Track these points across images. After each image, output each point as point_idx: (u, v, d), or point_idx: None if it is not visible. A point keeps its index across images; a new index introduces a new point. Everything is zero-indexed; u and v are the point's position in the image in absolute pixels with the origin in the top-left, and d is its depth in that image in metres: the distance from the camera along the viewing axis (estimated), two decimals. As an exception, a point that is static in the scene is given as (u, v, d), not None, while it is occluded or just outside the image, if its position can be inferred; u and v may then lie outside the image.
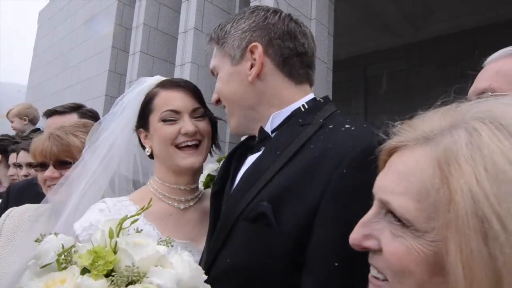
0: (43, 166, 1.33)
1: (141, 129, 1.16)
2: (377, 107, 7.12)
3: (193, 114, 1.13)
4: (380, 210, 0.53)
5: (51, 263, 0.62)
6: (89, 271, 0.60)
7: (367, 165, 0.66)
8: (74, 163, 1.25)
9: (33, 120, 3.93)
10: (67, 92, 7.23)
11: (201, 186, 1.20)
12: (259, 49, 0.93)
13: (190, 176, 1.14)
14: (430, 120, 0.51)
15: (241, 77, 0.95)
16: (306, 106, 0.94)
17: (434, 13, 5.97)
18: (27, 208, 1.39)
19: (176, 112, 1.09)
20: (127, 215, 0.68)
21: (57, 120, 1.76)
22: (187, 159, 1.08)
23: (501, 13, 5.59)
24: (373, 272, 0.54)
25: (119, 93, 6.38)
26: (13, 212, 1.37)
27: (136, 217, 0.68)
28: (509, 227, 0.38)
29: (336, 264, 0.71)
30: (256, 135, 0.98)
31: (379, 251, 0.52)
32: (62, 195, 1.16)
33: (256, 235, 0.79)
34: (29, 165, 2.10)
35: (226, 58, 0.97)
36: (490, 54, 1.19)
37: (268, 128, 0.95)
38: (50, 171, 1.30)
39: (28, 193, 1.61)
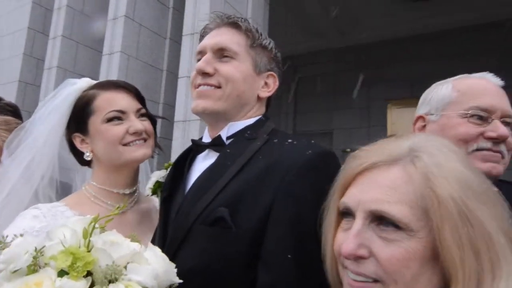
0: None
1: (76, 134, 1.11)
2: (306, 106, 7.44)
3: (137, 114, 1.13)
4: (364, 221, 0.64)
5: (28, 265, 0.61)
6: (65, 273, 0.60)
7: (310, 173, 0.86)
8: None
9: None
10: (-29, 74, 6.40)
11: (149, 192, 1.19)
12: (276, 80, 1.12)
13: (131, 175, 1.13)
14: (391, 147, 0.68)
15: (254, 86, 1.07)
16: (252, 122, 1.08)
17: (360, 22, 6.40)
18: None
19: (122, 112, 1.08)
20: (98, 215, 0.69)
21: None
22: (138, 151, 1.09)
23: (418, 26, 6.18)
24: (354, 276, 0.64)
25: (35, 80, 5.82)
26: None
27: (112, 216, 0.71)
28: (472, 209, 0.57)
29: (289, 256, 0.82)
30: (209, 133, 1.08)
31: (366, 258, 0.62)
32: None
33: (214, 238, 0.87)
34: None
35: (250, 60, 1.06)
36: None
37: (224, 135, 1.04)
38: None
39: None
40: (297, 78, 7.75)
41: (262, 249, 0.85)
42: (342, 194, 0.71)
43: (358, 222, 0.64)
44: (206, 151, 1.06)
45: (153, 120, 1.21)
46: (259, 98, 1.09)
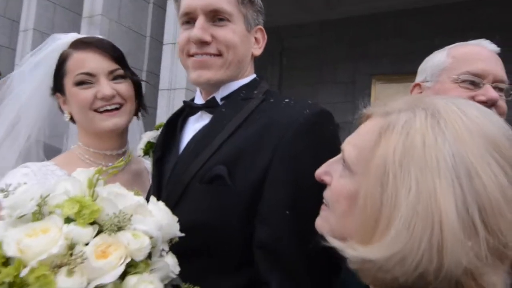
0: None
1: (57, 94, 1.07)
2: (290, 79, 7.42)
3: (110, 76, 1.05)
4: (340, 158, 0.70)
5: (33, 212, 0.61)
6: (71, 221, 0.60)
7: (307, 132, 0.87)
8: None
9: None
10: None
11: (140, 153, 1.16)
12: (264, 34, 1.09)
13: (114, 139, 1.09)
14: (397, 102, 0.66)
15: (249, 45, 1.04)
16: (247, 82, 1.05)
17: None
18: None
19: (90, 74, 1.02)
20: (102, 167, 0.69)
21: None
22: (109, 121, 1.04)
23: (405, 2, 6.16)
24: (324, 200, 0.72)
25: (10, 43, 5.54)
26: None
27: (116, 168, 0.77)
28: (397, 180, 0.55)
29: (287, 212, 0.84)
30: (202, 95, 1.05)
31: (329, 185, 0.70)
32: None
33: (212, 195, 0.88)
34: None
35: (241, 18, 1.01)
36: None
37: (219, 97, 1.01)
38: None
39: None
40: (282, 51, 7.67)
41: (259, 206, 0.86)
42: None
43: (337, 156, 0.72)
44: (199, 112, 1.04)
45: (135, 82, 1.13)
46: (251, 56, 1.07)
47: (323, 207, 0.73)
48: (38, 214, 0.61)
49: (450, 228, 0.50)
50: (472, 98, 1.09)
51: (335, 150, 0.81)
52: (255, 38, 1.06)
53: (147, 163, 1.23)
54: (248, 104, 0.96)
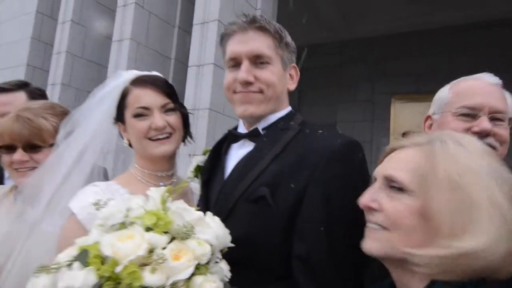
0: (10, 148, 1.27)
1: (119, 123, 1.22)
2: (310, 98, 7.49)
3: (162, 109, 1.20)
4: (381, 185, 0.84)
5: (120, 222, 0.79)
6: (150, 229, 0.76)
7: (338, 161, 0.99)
8: (44, 147, 1.24)
9: None
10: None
11: (190, 175, 1.30)
12: (297, 71, 1.25)
13: (165, 163, 1.24)
14: (420, 136, 0.86)
15: (285, 82, 1.20)
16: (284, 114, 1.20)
17: (367, 16, 6.41)
18: None
19: (146, 108, 1.17)
20: (171, 186, 0.86)
21: (3, 98, 1.64)
22: (160, 148, 1.18)
23: (424, 21, 6.20)
24: (371, 226, 0.84)
25: (43, 64, 5.85)
26: None
27: (184, 186, 0.95)
28: (461, 181, 0.73)
29: (322, 228, 0.96)
30: (245, 126, 1.20)
31: (378, 210, 0.82)
32: (35, 183, 1.15)
33: (256, 214, 1.01)
34: None
35: (279, 59, 1.16)
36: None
37: (260, 128, 1.17)
38: (20, 155, 1.26)
39: None
40: (301, 70, 7.78)
41: (297, 223, 0.98)
42: None
43: (376, 185, 0.86)
44: (242, 140, 1.18)
45: (183, 113, 1.29)
46: (287, 91, 1.22)
47: (372, 231, 0.83)
48: (123, 224, 0.79)
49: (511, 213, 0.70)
50: (469, 129, 1.20)
51: (363, 175, 0.99)
52: (290, 75, 1.22)
53: (191, 184, 1.35)
54: (286, 134, 1.11)
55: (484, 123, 1.18)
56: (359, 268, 0.96)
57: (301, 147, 1.06)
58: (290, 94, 1.27)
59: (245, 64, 1.12)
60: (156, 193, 0.83)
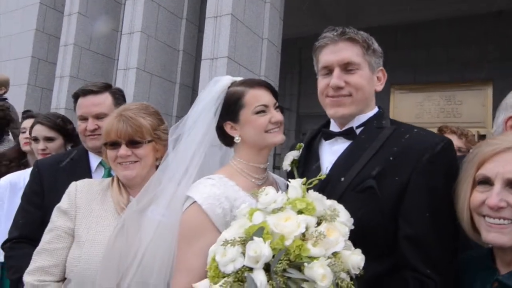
0: (115, 144, 1.43)
1: (228, 122, 1.35)
2: (309, 88, 7.63)
3: (274, 106, 1.37)
4: (504, 187, 1.00)
5: (280, 207, 1.01)
6: (301, 213, 0.99)
7: (440, 157, 1.16)
8: (144, 142, 1.42)
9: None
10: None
11: (288, 168, 1.46)
12: (384, 72, 1.38)
13: (267, 154, 1.41)
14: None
15: (373, 84, 1.34)
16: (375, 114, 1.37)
17: (367, 8, 6.55)
18: (91, 183, 1.51)
19: (266, 106, 1.33)
20: (305, 179, 1.10)
21: (93, 100, 1.77)
22: (278, 137, 1.36)
23: (423, 13, 6.37)
24: (498, 221, 1.01)
25: (47, 56, 5.85)
26: (78, 186, 1.46)
27: (322, 178, 1.16)
28: None
29: (427, 214, 1.13)
30: (337, 125, 1.35)
31: (506, 208, 0.99)
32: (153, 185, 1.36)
33: (364, 201, 1.18)
34: (47, 139, 2.16)
35: (367, 65, 1.31)
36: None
37: (355, 126, 1.33)
38: (124, 150, 1.41)
39: (60, 169, 1.71)
40: (300, 61, 7.90)
41: (402, 208, 1.15)
42: (478, 169, 1.06)
43: (498, 186, 1.01)
44: (335, 138, 1.35)
45: (281, 109, 1.47)
46: (374, 92, 1.37)
47: (501, 226, 1.00)
48: (277, 209, 1.01)
49: None
50: None
51: (457, 169, 1.16)
52: (377, 77, 1.36)
53: (274, 176, 1.54)
54: (381, 132, 1.27)
55: None
56: (455, 241, 1.16)
57: (399, 143, 1.21)
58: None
59: (337, 71, 1.27)
60: (297, 183, 1.05)
